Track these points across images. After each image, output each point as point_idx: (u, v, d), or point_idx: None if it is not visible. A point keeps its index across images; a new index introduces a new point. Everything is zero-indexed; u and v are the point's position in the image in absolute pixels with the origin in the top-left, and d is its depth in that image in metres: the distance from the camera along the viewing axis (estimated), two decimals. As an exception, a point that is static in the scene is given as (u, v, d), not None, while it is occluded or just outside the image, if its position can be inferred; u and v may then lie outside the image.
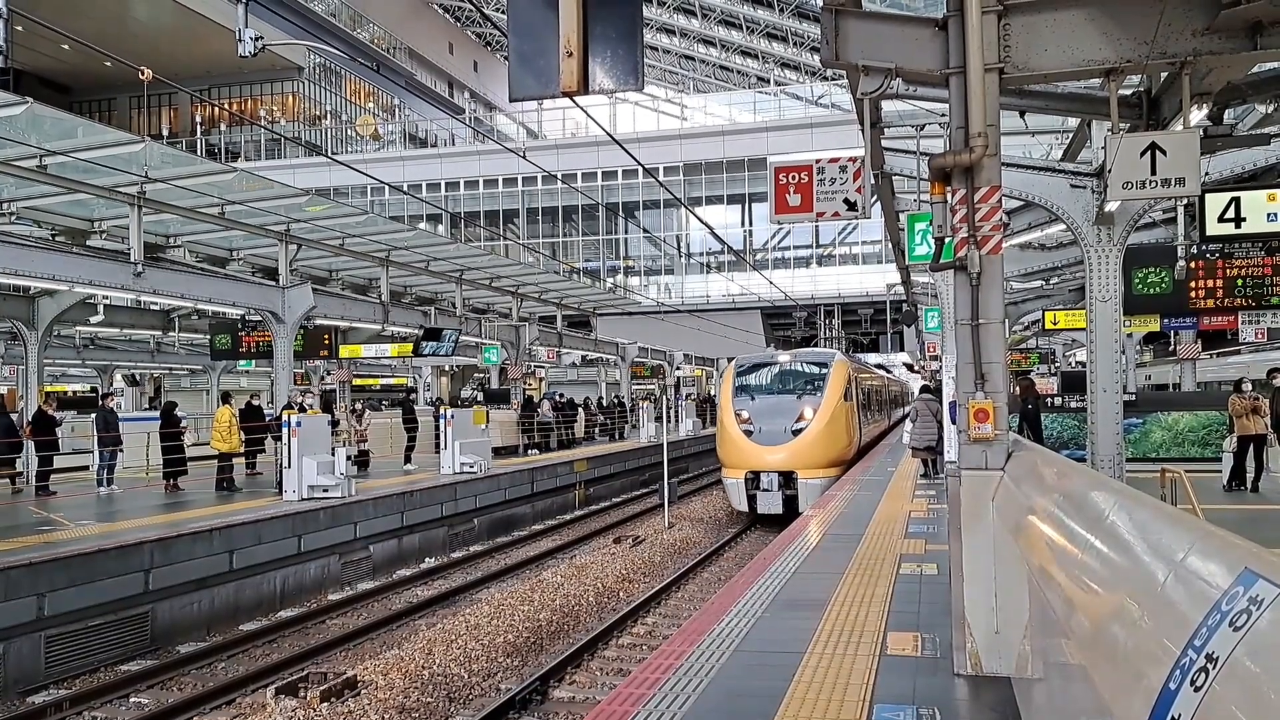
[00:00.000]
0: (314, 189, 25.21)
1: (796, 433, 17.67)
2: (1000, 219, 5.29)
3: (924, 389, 18.02)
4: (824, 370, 18.90)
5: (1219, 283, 12.67)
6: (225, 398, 17.71)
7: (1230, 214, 8.44)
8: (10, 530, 11.60)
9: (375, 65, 42.08)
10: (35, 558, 9.57)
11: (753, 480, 17.81)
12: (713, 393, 42.68)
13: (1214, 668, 1.38)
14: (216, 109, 54.10)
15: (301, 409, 15.98)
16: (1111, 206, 8.53)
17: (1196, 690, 1.40)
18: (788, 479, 17.55)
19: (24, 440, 16.29)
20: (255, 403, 18.57)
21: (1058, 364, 33.09)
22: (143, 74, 9.23)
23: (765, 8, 54.72)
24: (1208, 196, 8.55)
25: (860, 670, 5.37)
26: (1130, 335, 21.89)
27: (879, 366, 41.41)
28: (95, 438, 16.23)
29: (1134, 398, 17.58)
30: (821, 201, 7.35)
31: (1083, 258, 9.18)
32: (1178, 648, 1.53)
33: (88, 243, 17.87)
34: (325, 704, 8.19)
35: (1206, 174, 8.56)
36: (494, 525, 18.33)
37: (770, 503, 17.47)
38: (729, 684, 5.20)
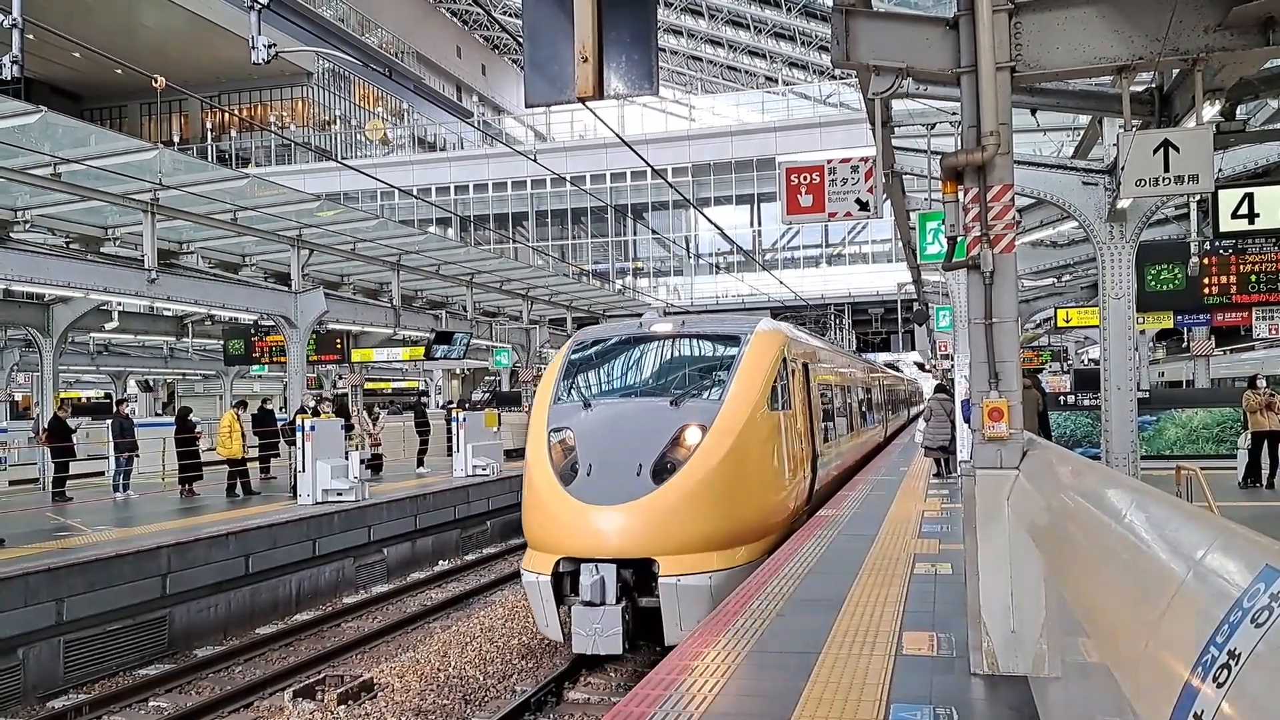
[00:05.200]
0: (324, 194, 25.28)
1: (662, 475, 8.58)
2: (1013, 217, 5.28)
3: (938, 388, 17.86)
4: (732, 351, 10.04)
5: (1232, 279, 12.63)
6: (242, 404, 17.82)
7: (1244, 210, 8.42)
8: (29, 536, 11.69)
9: (387, 70, 42.17)
10: (54, 563, 9.65)
11: (570, 576, 8.64)
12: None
13: (1236, 664, 1.39)
14: (227, 115, 54.38)
15: (315, 413, 16.06)
16: (1124, 203, 8.51)
17: (1219, 687, 1.40)
18: (641, 575, 8.47)
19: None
20: (268, 407, 18.67)
21: (1070, 362, 32.98)
22: (156, 82, 9.31)
23: (773, 7, 54.66)
24: (1221, 193, 8.53)
25: (876, 670, 5.37)
26: (1143, 332, 21.79)
27: (890, 365, 40.97)
28: (111, 444, 16.35)
29: (1148, 395, 17.51)
30: (834, 202, 7.36)
31: (1095, 255, 9.16)
32: (1199, 645, 1.54)
33: (101, 250, 17.99)
34: (342, 706, 8.24)
35: (1219, 170, 8.53)
36: (506, 527, 18.38)
37: (599, 625, 8.16)
38: (745, 684, 5.21)
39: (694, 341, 10.52)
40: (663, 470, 8.58)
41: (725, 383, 9.55)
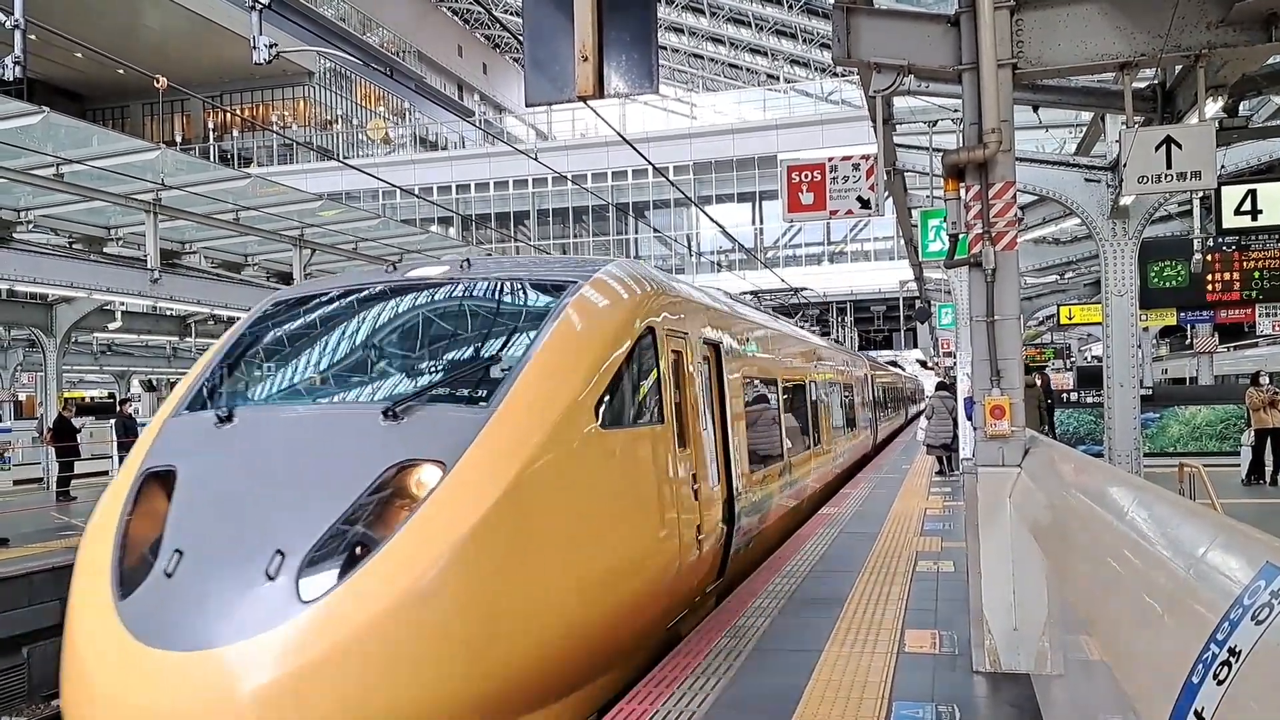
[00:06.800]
0: (326, 193, 25.35)
1: (328, 576, 3.91)
2: (1015, 214, 5.28)
3: (939, 385, 17.88)
4: (538, 307, 5.44)
5: (1236, 275, 12.64)
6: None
7: (1246, 206, 8.43)
8: (33, 535, 11.72)
9: (388, 70, 42.18)
10: (58, 562, 9.66)
11: None
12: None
13: (1237, 661, 1.39)
14: (229, 115, 54.43)
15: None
16: (1126, 200, 8.51)
17: (1220, 683, 1.41)
18: None
19: None
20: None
21: (1073, 359, 32.95)
22: (158, 82, 9.32)
23: (774, 5, 54.67)
24: (1224, 189, 8.54)
25: (878, 668, 5.37)
26: (1146, 329, 21.80)
27: (891, 363, 40.81)
28: (115, 443, 16.38)
29: (1150, 392, 17.50)
30: (835, 200, 7.36)
31: (1098, 252, 9.15)
32: (1200, 642, 1.54)
33: (104, 250, 18.03)
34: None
35: (1222, 167, 8.52)
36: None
37: None
38: (747, 682, 5.21)
39: (477, 296, 5.66)
40: (330, 563, 3.96)
41: (510, 373, 4.86)
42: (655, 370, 5.91)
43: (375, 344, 5.54)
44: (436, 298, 5.70)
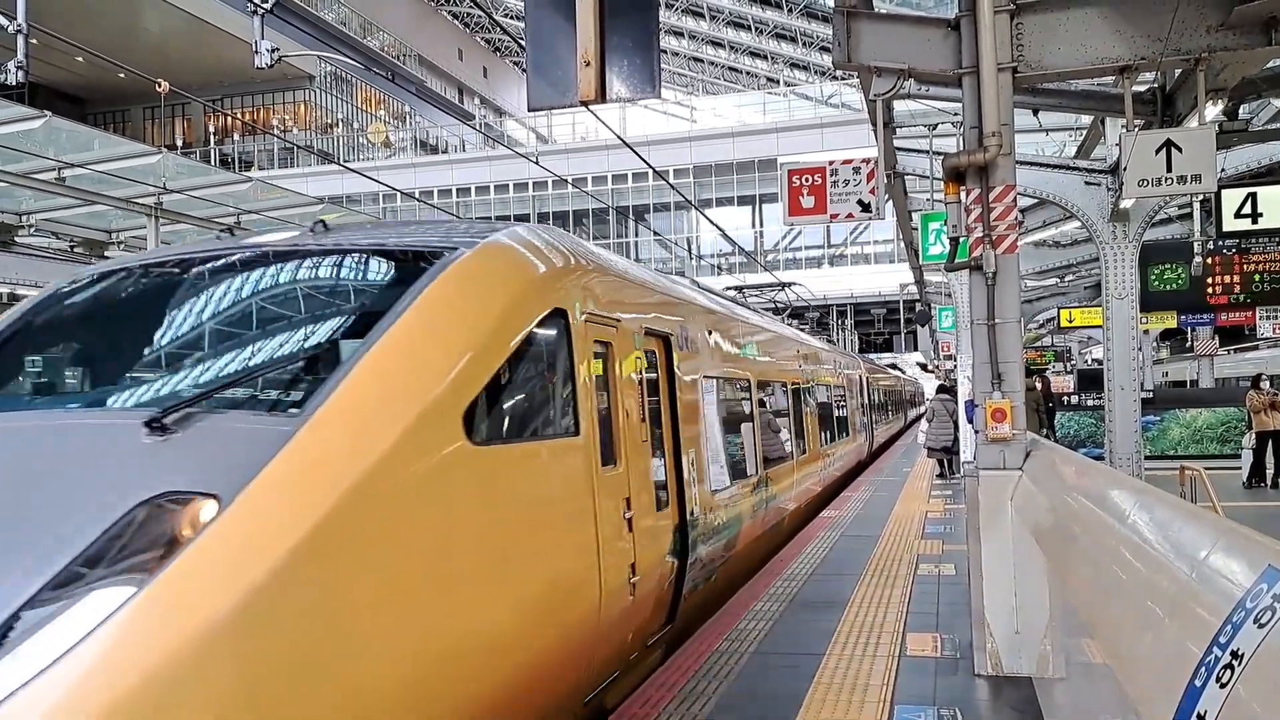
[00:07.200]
0: (327, 197, 25.39)
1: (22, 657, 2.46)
2: (1015, 218, 5.30)
3: (940, 389, 17.89)
4: (396, 281, 4.15)
5: (1236, 278, 12.66)
6: None
7: (1247, 209, 8.45)
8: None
9: (389, 74, 42.25)
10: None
11: None
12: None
13: (1239, 664, 1.39)
14: (229, 118, 54.50)
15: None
16: (1127, 203, 8.52)
17: (1222, 687, 1.41)
18: None
19: None
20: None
21: (1074, 362, 32.98)
22: (159, 86, 9.34)
23: (774, 9, 54.75)
24: (1224, 192, 8.56)
25: (880, 671, 5.36)
26: (1147, 332, 21.81)
27: (891, 366, 40.80)
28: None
29: (1151, 395, 17.50)
30: (835, 203, 7.38)
31: (1098, 255, 9.17)
32: (1202, 645, 1.54)
33: (106, 254, 18.04)
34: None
35: (1222, 170, 8.54)
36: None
37: None
38: (749, 686, 5.21)
39: (323, 269, 4.42)
40: (22, 650, 2.53)
41: (340, 368, 3.57)
42: (568, 366, 4.62)
43: (174, 332, 4.25)
44: (269, 272, 4.38)
